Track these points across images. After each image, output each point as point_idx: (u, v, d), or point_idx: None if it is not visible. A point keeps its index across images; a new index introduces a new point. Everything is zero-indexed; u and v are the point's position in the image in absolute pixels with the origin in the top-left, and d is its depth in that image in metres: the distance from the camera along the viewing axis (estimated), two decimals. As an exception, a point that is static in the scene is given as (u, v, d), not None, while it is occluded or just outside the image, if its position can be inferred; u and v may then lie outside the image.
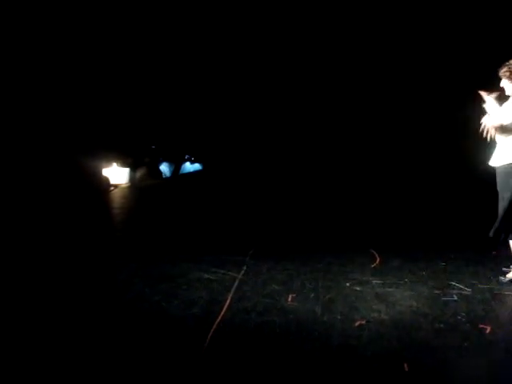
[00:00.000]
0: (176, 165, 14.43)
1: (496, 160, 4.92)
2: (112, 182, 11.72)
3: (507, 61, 4.92)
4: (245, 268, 5.37)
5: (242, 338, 3.75)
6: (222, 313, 4.17)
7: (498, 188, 4.90)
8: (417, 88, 10.63)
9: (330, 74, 11.24)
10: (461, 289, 4.87)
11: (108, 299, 4.54)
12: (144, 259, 5.70)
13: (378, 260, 5.76)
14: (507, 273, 5.11)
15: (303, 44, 10.78)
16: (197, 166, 15.56)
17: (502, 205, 4.83)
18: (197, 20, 10.57)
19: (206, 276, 5.10)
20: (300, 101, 11.78)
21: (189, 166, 15.43)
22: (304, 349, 3.61)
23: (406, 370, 3.35)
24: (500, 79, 4.97)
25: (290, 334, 3.82)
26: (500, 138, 4.89)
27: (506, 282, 5.06)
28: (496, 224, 4.84)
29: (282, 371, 3.35)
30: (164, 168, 14.18)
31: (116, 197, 10.48)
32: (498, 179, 4.89)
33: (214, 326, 3.90)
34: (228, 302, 4.42)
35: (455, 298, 4.65)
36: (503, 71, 4.90)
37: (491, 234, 4.87)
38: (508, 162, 4.78)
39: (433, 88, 10.41)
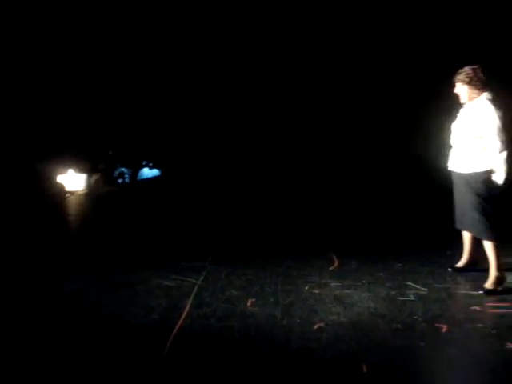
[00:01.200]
0: (134, 170, 14.29)
1: (467, 167, 4.96)
2: (68, 188, 11.54)
3: (462, 67, 5.01)
4: (204, 274, 5.35)
5: (201, 344, 3.74)
6: (182, 319, 4.15)
7: (476, 193, 4.88)
8: (374, 89, 10.76)
9: (288, 77, 11.29)
10: (417, 289, 4.95)
11: (64, 307, 4.47)
12: (101, 267, 5.62)
13: (336, 263, 5.81)
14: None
15: (272, 43, 10.80)
16: (155, 172, 15.44)
17: (487, 207, 4.85)
18: (150, 24, 10.48)
19: (165, 283, 5.07)
20: (260, 109, 11.80)
21: (147, 172, 15.30)
22: (263, 353, 3.62)
23: (365, 371, 3.39)
24: (454, 86, 5.06)
25: (249, 339, 3.83)
26: (468, 145, 4.95)
27: (453, 273, 5.35)
28: (489, 226, 4.86)
29: (241, 376, 3.35)
30: (121, 174, 14.04)
31: (72, 204, 10.31)
32: (478, 185, 4.87)
33: (174, 333, 3.88)
34: (187, 308, 4.40)
35: (412, 298, 4.73)
36: (460, 77, 4.98)
37: (493, 238, 4.88)
38: (485, 170, 4.82)
39: (391, 89, 10.56)
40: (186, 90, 11.86)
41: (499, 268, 4.91)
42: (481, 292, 4.81)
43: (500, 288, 4.86)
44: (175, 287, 4.95)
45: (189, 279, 5.17)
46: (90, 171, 12.55)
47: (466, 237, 5.36)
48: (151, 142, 13.26)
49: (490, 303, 4.61)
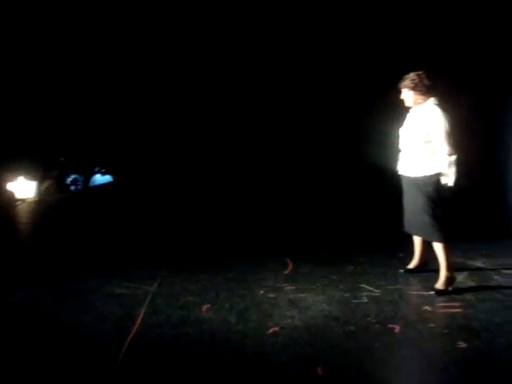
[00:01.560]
0: (86, 177, 14.08)
1: (416, 170, 5.02)
2: (18, 196, 11.29)
3: (407, 73, 5.08)
4: (158, 280, 5.30)
5: (155, 352, 3.70)
6: (135, 327, 4.10)
7: (426, 196, 4.94)
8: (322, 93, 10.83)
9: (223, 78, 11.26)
10: (370, 291, 5.02)
11: (15, 317, 4.37)
12: (53, 275, 5.51)
13: (290, 266, 5.84)
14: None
15: (210, 47, 10.76)
16: (107, 178, 15.24)
17: (437, 210, 4.91)
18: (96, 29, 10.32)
19: (119, 290, 5.00)
20: (202, 112, 11.76)
21: (99, 178, 15.10)
22: (218, 359, 3.61)
23: (320, 373, 3.41)
24: (400, 92, 5.13)
25: (204, 345, 3.81)
26: (417, 149, 5.01)
27: (405, 274, 5.46)
28: (438, 228, 4.92)
29: (196, 383, 3.34)
30: (74, 180, 13.81)
31: (23, 212, 10.10)
32: (428, 188, 4.93)
33: (127, 342, 3.83)
34: (141, 316, 4.35)
35: (365, 299, 4.79)
36: (405, 83, 5.05)
37: (442, 240, 4.95)
38: (434, 173, 4.88)
39: (339, 94, 10.64)
40: (138, 94, 11.74)
41: (449, 268, 5.01)
42: (432, 292, 4.91)
43: (450, 288, 4.97)
44: (129, 295, 4.89)
45: (143, 286, 5.11)
46: (41, 178, 12.31)
47: (417, 239, 5.46)
48: (103, 147, 13.09)
49: (441, 303, 4.70)
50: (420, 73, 5.01)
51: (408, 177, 5.14)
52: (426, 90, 4.98)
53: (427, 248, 5.31)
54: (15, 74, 10.27)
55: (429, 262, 5.45)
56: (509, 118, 7.43)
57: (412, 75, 5.02)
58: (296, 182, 10.86)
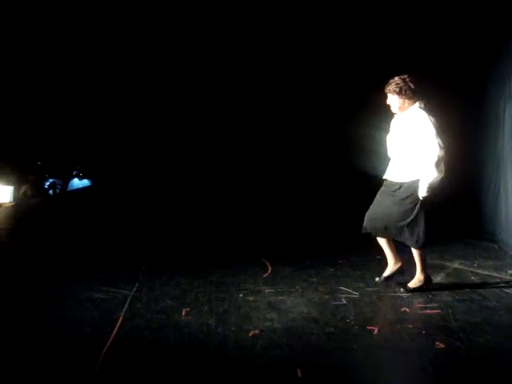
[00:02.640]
0: (63, 181, 13.99)
1: (402, 176, 4.97)
2: (-5, 201, 11.17)
3: (391, 78, 5.04)
4: (137, 285, 5.28)
5: (135, 357, 3.68)
6: (114, 332, 4.07)
7: (410, 201, 4.92)
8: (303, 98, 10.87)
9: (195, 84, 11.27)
10: (349, 293, 5.05)
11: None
12: (30, 281, 5.44)
13: (269, 269, 5.85)
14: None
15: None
16: (85, 182, 15.15)
17: (420, 215, 4.90)
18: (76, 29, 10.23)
19: (97, 295, 4.96)
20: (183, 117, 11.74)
21: (77, 182, 15.02)
22: (198, 363, 3.60)
23: (300, 376, 3.42)
24: (386, 96, 5.07)
25: (183, 349, 3.80)
26: (404, 155, 4.98)
27: (382, 282, 5.33)
28: (421, 233, 4.92)
29: (176, 387, 3.33)
30: (53, 184, 13.71)
31: (-1, 217, 9.99)
32: (413, 193, 4.89)
33: (106, 347, 3.81)
34: (120, 320, 4.32)
35: (344, 301, 4.82)
36: (390, 88, 4.99)
37: (421, 244, 4.95)
38: (416, 178, 4.86)
39: (321, 99, 10.69)
40: (116, 97, 11.69)
41: (424, 270, 5.07)
42: (409, 294, 4.96)
43: (425, 287, 5.04)
44: (108, 299, 4.85)
45: (121, 291, 5.08)
46: (17, 183, 12.19)
47: (385, 244, 5.27)
48: (81, 151, 13.01)
49: (419, 304, 4.75)
50: (405, 77, 4.96)
51: (392, 181, 5.07)
52: (411, 94, 4.93)
53: (397, 250, 5.29)
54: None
55: (404, 264, 5.41)
56: (482, 118, 7.53)
57: (397, 79, 4.97)
58: (278, 186, 10.90)
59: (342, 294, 5.02)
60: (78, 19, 10.01)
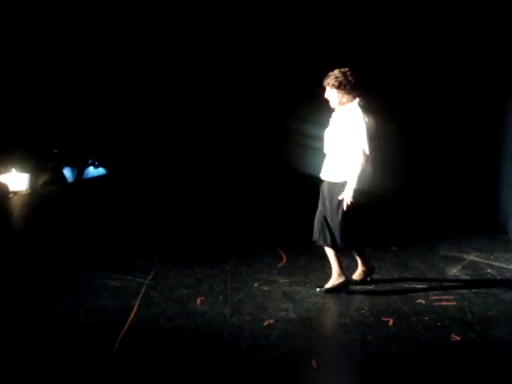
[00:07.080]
0: (79, 170, 14.04)
1: (334, 175, 4.68)
2: (11, 188, 11.21)
3: (331, 70, 4.66)
4: (152, 273, 5.29)
5: (150, 345, 3.71)
6: (130, 320, 4.09)
7: (335, 202, 4.65)
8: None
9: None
10: (364, 284, 5.02)
11: (9, 311, 4.36)
12: (46, 269, 5.47)
13: (284, 259, 5.84)
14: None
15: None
16: (101, 171, 15.19)
17: (346, 218, 4.61)
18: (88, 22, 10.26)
19: (112, 283, 4.98)
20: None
21: (93, 171, 15.05)
22: (213, 352, 3.61)
23: (315, 366, 3.42)
24: (324, 90, 4.70)
25: (199, 338, 3.81)
26: (337, 153, 4.68)
27: (322, 292, 4.80)
28: (340, 235, 4.67)
29: (191, 376, 3.34)
30: (67, 173, 13.75)
31: (15, 204, 10.04)
32: (332, 194, 4.67)
33: (122, 334, 3.83)
34: (135, 308, 4.35)
35: (359, 292, 4.81)
36: (329, 81, 4.61)
37: (335, 245, 4.72)
38: (344, 180, 4.58)
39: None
40: (132, 87, 11.70)
41: (339, 273, 4.74)
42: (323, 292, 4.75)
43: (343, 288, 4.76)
44: (122, 287, 4.88)
45: (137, 279, 5.10)
46: (34, 170, 12.25)
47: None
48: (97, 140, 13.04)
49: (434, 296, 4.72)
50: (345, 70, 4.61)
51: (325, 181, 4.80)
52: (351, 89, 4.56)
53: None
54: (8, 66, 10.21)
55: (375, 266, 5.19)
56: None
57: (336, 72, 4.60)
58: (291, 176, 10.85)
59: (357, 284, 4.99)
60: (92, 13, 10.06)
